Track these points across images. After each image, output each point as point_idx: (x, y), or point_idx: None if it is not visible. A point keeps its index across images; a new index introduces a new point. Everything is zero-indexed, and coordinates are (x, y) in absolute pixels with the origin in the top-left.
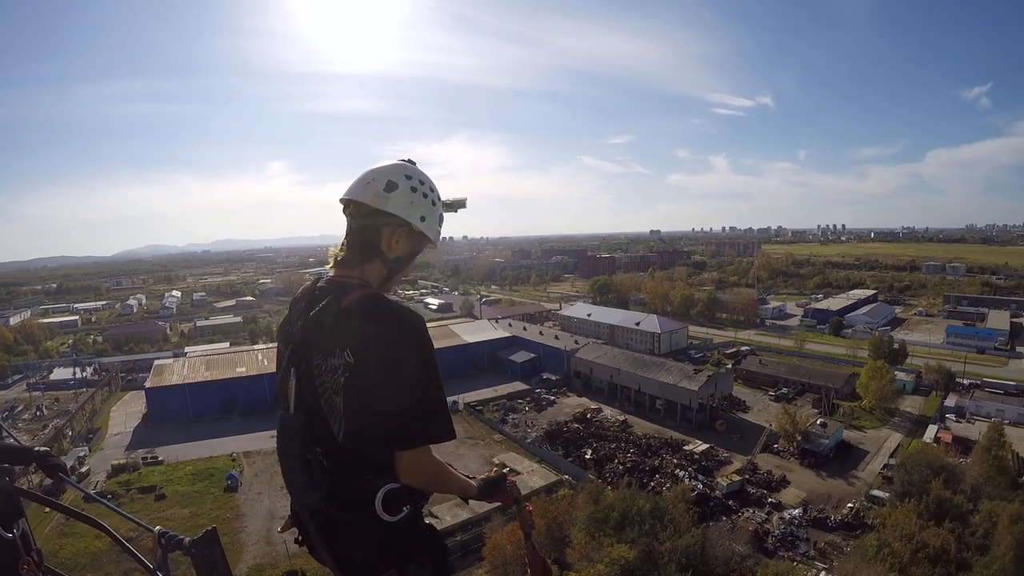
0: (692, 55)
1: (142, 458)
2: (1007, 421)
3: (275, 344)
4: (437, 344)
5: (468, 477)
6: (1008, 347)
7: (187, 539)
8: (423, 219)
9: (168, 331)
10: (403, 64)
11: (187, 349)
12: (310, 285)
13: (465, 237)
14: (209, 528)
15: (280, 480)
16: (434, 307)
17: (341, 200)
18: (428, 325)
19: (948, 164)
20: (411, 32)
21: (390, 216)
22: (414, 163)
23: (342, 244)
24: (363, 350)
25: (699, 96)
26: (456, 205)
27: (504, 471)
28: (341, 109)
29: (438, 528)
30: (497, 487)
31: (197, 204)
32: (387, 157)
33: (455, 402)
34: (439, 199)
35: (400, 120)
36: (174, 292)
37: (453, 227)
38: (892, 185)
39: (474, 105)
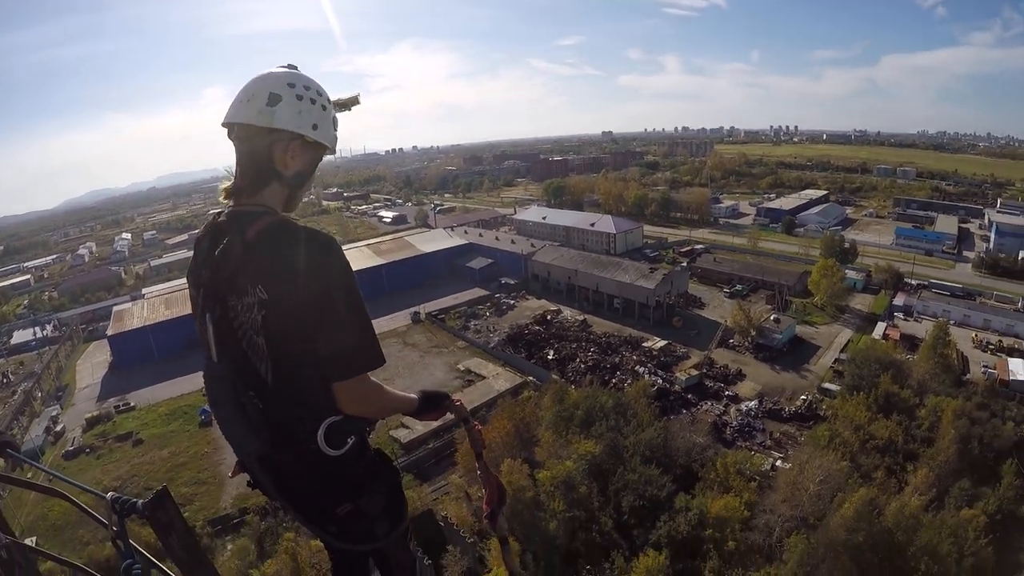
0: None
1: (115, 407)
2: (952, 321)
3: None
4: (394, 256)
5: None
6: (955, 251)
7: (140, 502)
8: (315, 127)
9: (123, 275)
10: None
11: (144, 291)
12: (211, 221)
13: (415, 147)
14: (159, 488)
15: None
16: (388, 220)
17: (223, 124)
18: (384, 238)
19: (903, 70)
20: None
21: (280, 131)
22: (295, 67)
23: (234, 172)
24: (276, 283)
25: None
26: (349, 103)
27: (445, 391)
28: (281, 26)
29: (408, 439)
30: (437, 400)
31: (136, 141)
32: (330, 74)
33: (417, 312)
34: (329, 102)
35: (343, 35)
36: (124, 235)
37: (402, 138)
38: (846, 88)
39: (420, 13)
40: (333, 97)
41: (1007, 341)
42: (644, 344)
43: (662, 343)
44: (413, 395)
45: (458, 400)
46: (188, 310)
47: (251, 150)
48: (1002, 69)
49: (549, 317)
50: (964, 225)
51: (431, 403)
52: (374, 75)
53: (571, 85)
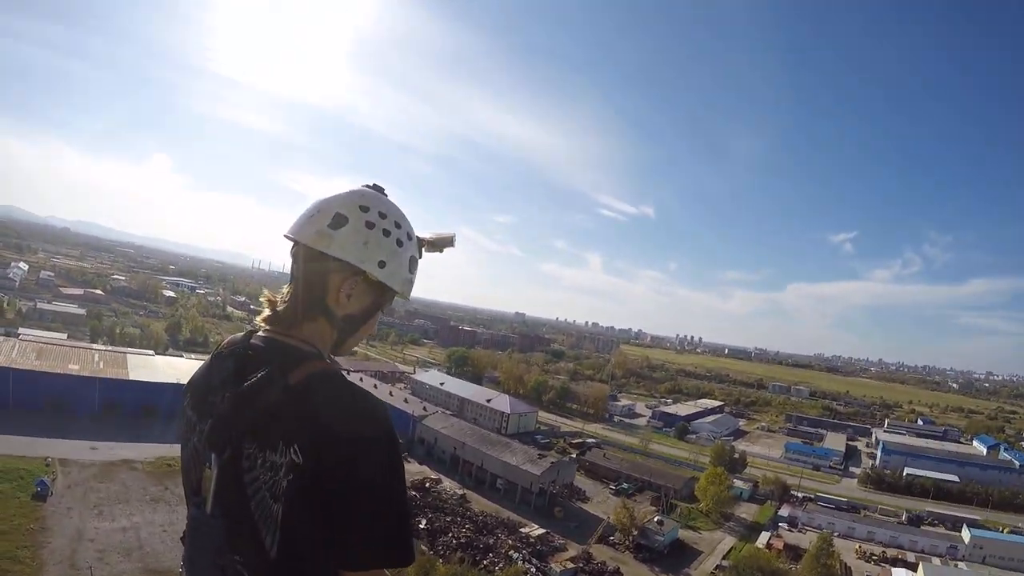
0: (589, 153)
1: None
2: (837, 533)
3: (113, 349)
4: None
5: None
6: (842, 467)
7: None
8: (382, 265)
9: (5, 306)
10: (312, 91)
11: (20, 330)
12: (241, 340)
13: (376, 323)
14: None
15: (94, 497)
16: None
17: (286, 236)
18: None
19: (806, 297)
20: (331, 62)
21: (338, 261)
22: (381, 189)
23: (285, 290)
24: (317, 450)
25: (587, 194)
26: (441, 243)
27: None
28: (240, 120)
29: None
30: None
31: (68, 176)
32: (278, 181)
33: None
34: (411, 237)
35: (295, 147)
36: (21, 264)
37: None
38: (752, 308)
39: (366, 151)
40: (424, 233)
41: (891, 552)
42: (522, 529)
43: (540, 531)
44: None
45: None
46: (58, 368)
47: (306, 274)
48: (896, 302)
49: (428, 485)
50: (852, 443)
51: None
52: (309, 199)
53: (496, 260)
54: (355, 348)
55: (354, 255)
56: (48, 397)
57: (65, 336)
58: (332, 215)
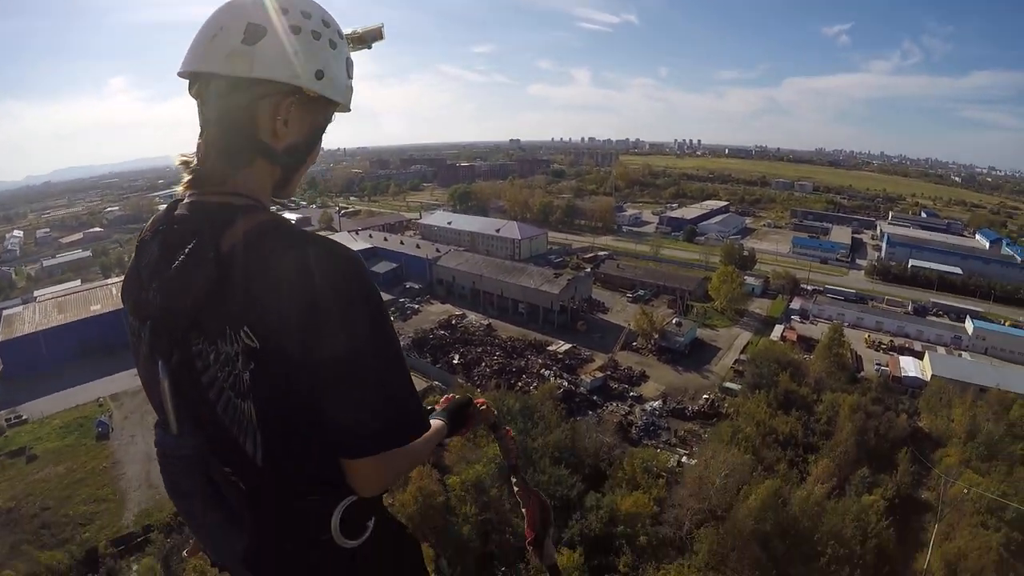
0: None
1: (6, 420)
2: (846, 323)
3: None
4: None
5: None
6: (849, 259)
7: None
8: (319, 75)
9: (14, 276)
10: None
11: (36, 293)
12: (164, 215)
13: (322, 149)
14: None
15: (151, 419)
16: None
17: (180, 74)
18: None
19: (803, 92)
20: None
21: (266, 83)
22: None
23: (197, 146)
24: (273, 324)
25: (565, 10)
26: (370, 37)
27: (467, 396)
28: (181, 17)
29: None
30: (464, 414)
31: (33, 132)
32: None
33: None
34: (341, 35)
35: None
36: (15, 232)
37: None
38: (748, 107)
39: (330, 8)
40: (347, 29)
41: (898, 341)
42: (549, 348)
43: (567, 347)
44: (438, 421)
45: (482, 403)
46: (82, 314)
47: (223, 114)
48: (898, 95)
49: (454, 322)
50: (857, 236)
51: (460, 422)
52: None
53: (481, 92)
54: (297, 186)
55: (284, 71)
56: (82, 344)
57: (79, 282)
58: (243, 28)
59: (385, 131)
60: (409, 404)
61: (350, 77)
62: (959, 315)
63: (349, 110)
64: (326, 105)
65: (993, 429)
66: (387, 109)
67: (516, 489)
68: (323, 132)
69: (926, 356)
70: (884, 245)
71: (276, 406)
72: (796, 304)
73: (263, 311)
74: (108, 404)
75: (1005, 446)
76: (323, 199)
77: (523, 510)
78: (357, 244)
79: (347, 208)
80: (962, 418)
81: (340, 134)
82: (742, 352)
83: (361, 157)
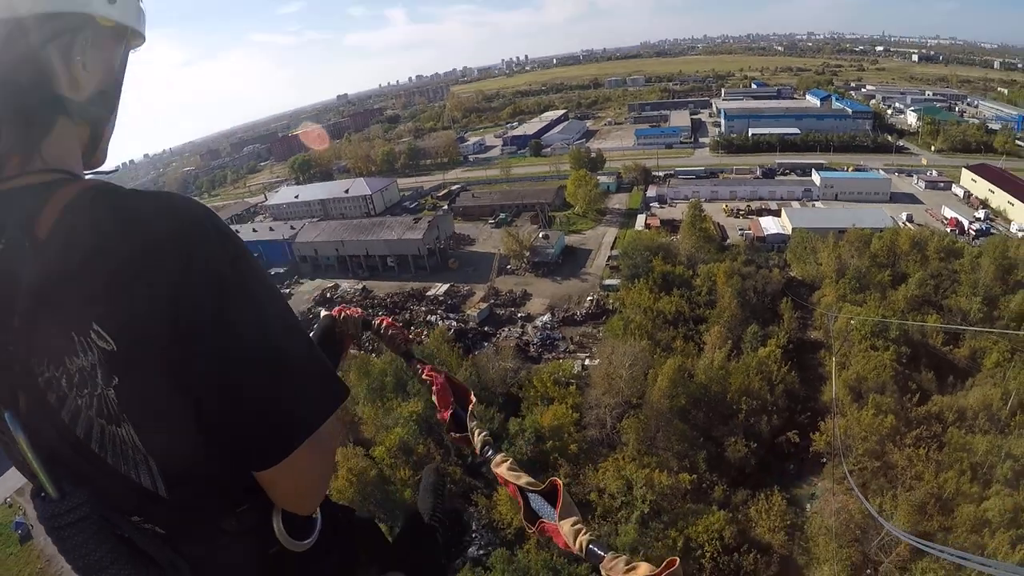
0: None
1: None
2: (703, 199)
3: None
4: None
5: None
6: (692, 140)
7: None
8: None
9: None
10: None
11: None
12: None
13: (146, 155)
14: None
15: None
16: None
17: None
18: None
19: None
20: None
21: (52, 19)
22: None
23: None
24: (126, 311)
25: None
26: None
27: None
28: None
29: None
30: (330, 333)
31: None
32: None
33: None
34: None
35: None
36: None
37: (126, 151)
38: (568, 13)
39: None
40: None
41: (754, 205)
42: (428, 293)
43: (445, 287)
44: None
45: (339, 311)
46: None
47: (4, 72)
48: None
49: (328, 295)
50: (695, 117)
51: (335, 348)
52: None
53: (298, 54)
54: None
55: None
56: None
57: None
58: None
59: (210, 119)
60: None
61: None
62: (805, 170)
63: (144, 39)
64: (121, 36)
65: (859, 263)
66: (205, 95)
67: (419, 375)
68: (124, 73)
69: (783, 212)
70: (723, 120)
71: (159, 421)
72: (652, 192)
73: (109, 296)
74: (17, 501)
75: (872, 276)
76: None
77: (433, 398)
78: None
79: None
80: (829, 259)
81: (163, 135)
82: (612, 248)
83: (190, 153)
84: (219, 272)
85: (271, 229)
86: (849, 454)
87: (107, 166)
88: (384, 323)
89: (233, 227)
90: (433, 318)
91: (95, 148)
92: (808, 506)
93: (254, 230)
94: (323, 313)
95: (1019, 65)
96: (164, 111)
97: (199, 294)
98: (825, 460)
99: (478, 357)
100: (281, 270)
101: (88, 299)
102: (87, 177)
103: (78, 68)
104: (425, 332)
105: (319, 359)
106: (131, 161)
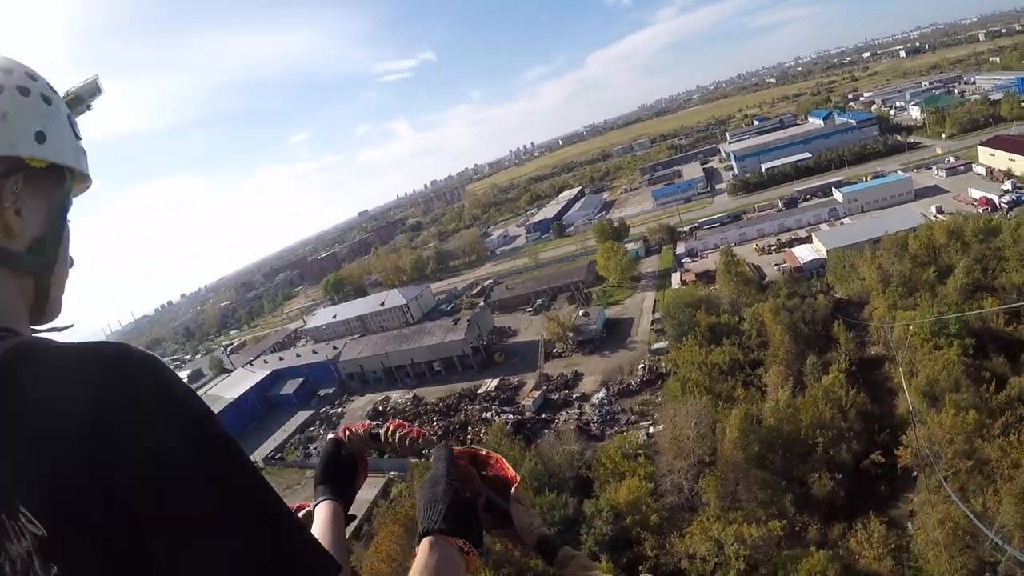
0: (345, 34)
1: None
2: (732, 244)
3: None
4: None
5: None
6: (708, 188)
7: None
8: (41, 137)
9: None
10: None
11: None
12: None
13: (183, 295)
14: None
15: None
16: (184, 379)
17: None
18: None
19: (608, 62)
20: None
21: None
22: None
23: None
24: (56, 493)
25: (365, 70)
26: (86, 93)
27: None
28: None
29: None
30: (336, 458)
31: None
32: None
33: (254, 462)
34: (53, 89)
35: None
36: None
37: (164, 293)
38: (564, 94)
39: (141, 154)
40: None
41: (784, 237)
42: (480, 391)
43: (495, 382)
44: (324, 506)
45: (349, 427)
46: None
47: None
48: (691, 31)
49: (380, 408)
50: (707, 166)
51: (344, 480)
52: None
53: (315, 177)
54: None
55: None
56: None
57: None
58: None
59: (239, 253)
60: (294, 538)
61: (79, 136)
62: (825, 191)
63: (89, 179)
64: (59, 177)
65: (901, 268)
66: (228, 227)
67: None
68: (66, 214)
69: (814, 238)
70: (734, 163)
71: None
72: (681, 248)
73: (29, 474)
74: None
75: (918, 276)
76: (206, 344)
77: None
78: (256, 375)
79: (231, 343)
80: (870, 272)
81: (198, 274)
82: (653, 312)
83: (224, 288)
84: (158, 442)
85: (314, 352)
86: (939, 461)
87: (113, 317)
88: (390, 428)
89: (275, 354)
90: (488, 415)
91: (44, 300)
92: (909, 525)
93: (297, 355)
94: (329, 436)
95: (1003, 31)
96: (196, 250)
97: (132, 467)
98: (916, 473)
99: (540, 446)
100: (330, 390)
101: (15, 476)
102: (22, 336)
103: (10, 214)
104: (483, 430)
105: (294, 537)
106: (169, 302)
